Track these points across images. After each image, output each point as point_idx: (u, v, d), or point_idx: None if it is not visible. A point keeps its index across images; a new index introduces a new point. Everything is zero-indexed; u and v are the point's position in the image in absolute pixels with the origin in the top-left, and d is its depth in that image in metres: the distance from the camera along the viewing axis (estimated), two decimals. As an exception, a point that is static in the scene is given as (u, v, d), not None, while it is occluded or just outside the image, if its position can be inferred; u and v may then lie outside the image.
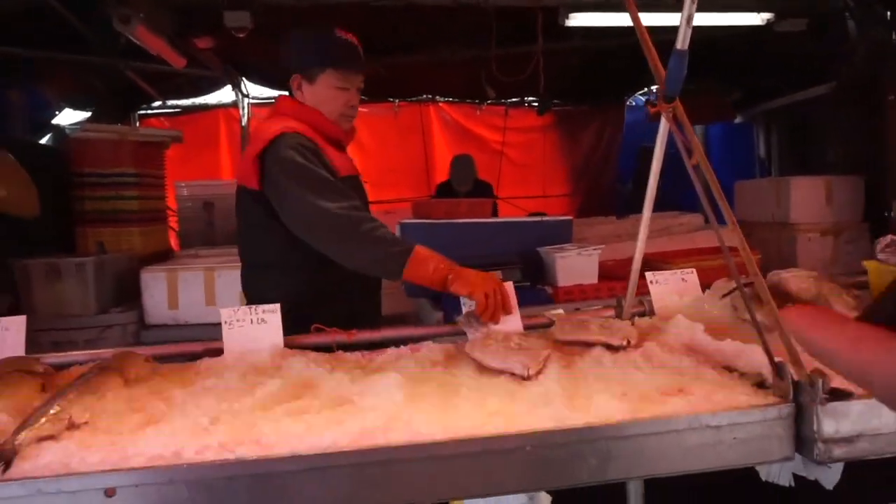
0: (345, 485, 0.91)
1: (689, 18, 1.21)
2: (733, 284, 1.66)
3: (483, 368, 1.30)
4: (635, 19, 1.40)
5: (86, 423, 1.07)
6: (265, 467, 0.89)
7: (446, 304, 3.07)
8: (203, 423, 1.04)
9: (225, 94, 6.19)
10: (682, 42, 1.24)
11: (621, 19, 4.05)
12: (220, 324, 2.77)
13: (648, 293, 1.73)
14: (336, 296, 1.81)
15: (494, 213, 4.41)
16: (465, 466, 0.96)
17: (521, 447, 0.97)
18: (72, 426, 1.05)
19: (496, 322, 1.57)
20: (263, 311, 1.52)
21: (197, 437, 0.98)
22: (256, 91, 6.23)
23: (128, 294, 3.20)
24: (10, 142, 3.39)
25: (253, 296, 1.92)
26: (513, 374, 1.25)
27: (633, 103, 6.71)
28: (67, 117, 5.69)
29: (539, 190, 6.40)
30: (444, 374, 1.29)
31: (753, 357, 1.17)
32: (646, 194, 1.59)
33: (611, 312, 1.73)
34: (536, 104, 6.14)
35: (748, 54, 4.83)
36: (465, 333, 1.57)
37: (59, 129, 5.58)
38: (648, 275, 1.73)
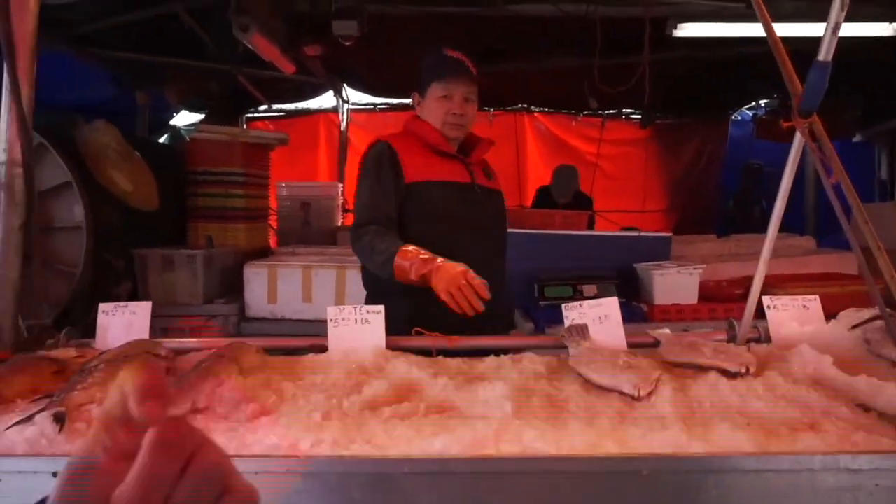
0: (456, 492, 0.90)
1: (836, 27, 1.13)
2: (864, 315, 1.53)
3: (589, 385, 1.26)
4: (769, 30, 1.32)
5: (206, 407, 1.12)
6: (379, 467, 0.90)
7: (537, 314, 3.03)
8: (315, 419, 1.06)
9: (326, 100, 6.43)
10: (825, 53, 1.16)
11: (732, 30, 3.88)
12: (314, 320, 2.86)
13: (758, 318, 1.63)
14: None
15: (591, 227, 4.32)
16: (578, 485, 0.93)
17: (637, 471, 0.92)
18: (195, 410, 1.10)
19: (468, 315, 1.60)
20: (368, 312, 1.55)
21: (311, 431, 1.00)
22: (356, 97, 6.44)
23: (231, 287, 3.37)
24: (135, 140, 3.66)
25: (373, 292, 2.00)
26: (622, 394, 1.20)
27: (739, 118, 6.40)
28: (182, 119, 6.11)
29: (634, 204, 6.22)
30: (549, 388, 1.26)
31: None
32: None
33: (722, 336, 1.64)
34: (635, 116, 5.99)
35: (872, 68, 4.49)
36: (566, 347, 1.53)
37: (175, 130, 5.99)
38: (766, 299, 1.63)
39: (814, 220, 5.15)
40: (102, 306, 1.64)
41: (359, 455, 0.92)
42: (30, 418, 1.01)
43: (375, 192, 1.96)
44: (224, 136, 3.83)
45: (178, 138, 5.78)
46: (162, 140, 5.64)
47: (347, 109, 6.46)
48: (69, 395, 1.08)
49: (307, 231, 4.56)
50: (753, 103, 5.96)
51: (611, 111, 6.18)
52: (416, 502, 0.92)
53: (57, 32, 3.59)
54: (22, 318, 1.66)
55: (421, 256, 1.73)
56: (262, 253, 3.84)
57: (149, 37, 4.21)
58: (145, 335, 1.57)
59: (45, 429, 0.99)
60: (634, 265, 3.21)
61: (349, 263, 3.14)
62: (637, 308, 3.09)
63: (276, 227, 4.70)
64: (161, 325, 3.09)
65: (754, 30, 3.64)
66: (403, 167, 1.96)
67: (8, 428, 0.99)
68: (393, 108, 6.43)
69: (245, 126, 6.30)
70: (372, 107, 6.53)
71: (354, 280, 3.09)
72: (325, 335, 1.54)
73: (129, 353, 1.32)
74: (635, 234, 3.64)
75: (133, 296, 3.10)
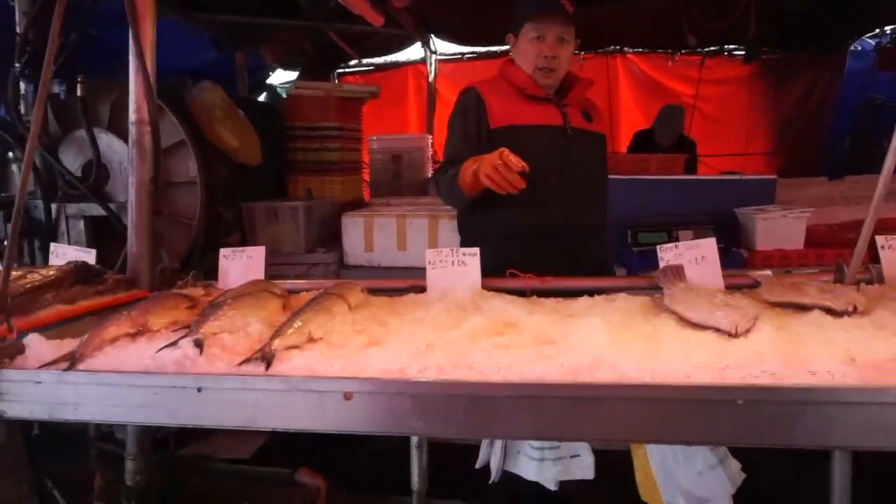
0: (554, 415, 0.95)
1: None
2: None
3: (685, 322, 1.27)
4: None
5: (321, 338, 1.23)
6: (482, 390, 0.97)
7: (630, 260, 3.00)
8: (420, 348, 1.14)
9: (414, 52, 6.45)
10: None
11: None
12: (408, 268, 2.97)
13: (871, 261, 1.56)
14: (549, 235, 1.89)
15: (691, 171, 4.14)
16: (671, 412, 0.96)
17: (731, 400, 0.94)
18: (311, 340, 1.22)
19: (509, 190, 1.65)
20: (464, 254, 1.62)
21: (417, 358, 1.09)
22: (444, 48, 6.42)
23: (330, 237, 3.54)
24: (237, 99, 3.86)
25: (468, 237, 2.09)
26: (719, 331, 1.20)
27: (858, 48, 5.83)
28: (277, 77, 6.34)
29: (735, 147, 5.88)
30: (643, 325, 1.28)
31: None
32: (869, 154, 1.41)
33: (829, 277, 1.58)
34: (738, 52, 5.60)
35: None
36: (660, 288, 1.53)
37: (272, 88, 6.23)
38: (880, 239, 1.55)
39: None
40: (223, 251, 1.80)
41: (462, 379, 1.00)
42: (175, 343, 1.15)
43: (459, 137, 2.04)
44: (319, 92, 3.96)
45: (274, 96, 6.02)
46: (260, 98, 5.89)
47: (435, 60, 6.45)
48: (204, 326, 1.22)
49: (398, 183, 4.67)
50: (877, 31, 5.40)
51: (711, 48, 5.81)
52: (516, 424, 0.98)
53: (166, 1, 3.80)
54: (155, 262, 1.86)
55: (477, 160, 1.79)
56: (358, 204, 3.99)
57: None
58: (261, 276, 1.72)
59: (188, 352, 1.13)
60: (735, 210, 3.09)
61: (441, 212, 3.21)
62: (737, 254, 2.98)
63: (367, 180, 4.85)
64: (268, 273, 3.32)
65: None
66: (489, 112, 1.98)
67: (159, 350, 1.14)
68: (480, 56, 6.36)
69: (336, 81, 6.45)
70: (459, 56, 6.49)
71: (447, 228, 3.18)
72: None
73: (250, 291, 1.46)
74: (736, 177, 3.48)
75: (241, 245, 3.34)
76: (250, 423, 1.07)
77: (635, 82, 6.06)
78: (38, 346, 1.20)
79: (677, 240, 2.94)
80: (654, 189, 3.15)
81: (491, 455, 1.69)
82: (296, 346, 1.18)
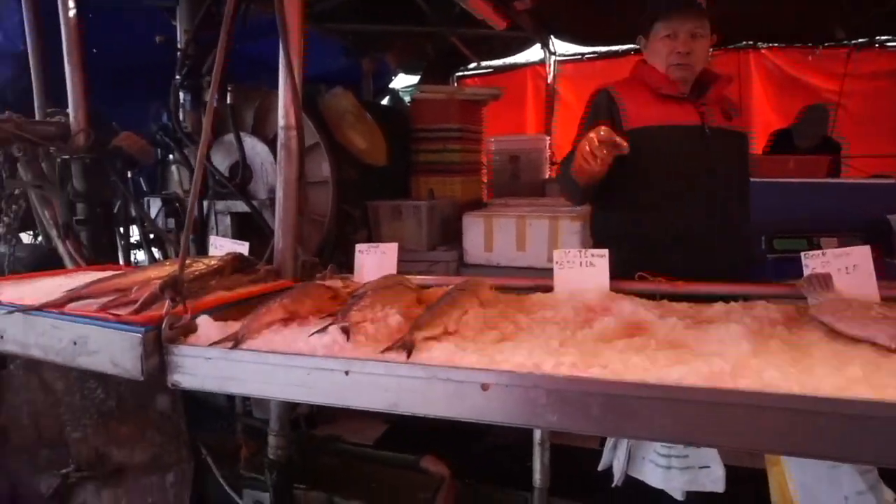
0: (692, 420, 0.94)
1: None
2: None
3: (836, 334, 1.20)
4: None
5: (456, 331, 1.29)
6: (619, 389, 0.97)
7: (764, 268, 2.84)
8: (553, 345, 1.17)
9: (533, 53, 6.46)
10: None
11: None
12: (527, 268, 2.99)
13: None
14: (685, 239, 1.86)
15: (834, 174, 3.84)
16: (822, 426, 0.91)
17: (892, 417, 0.88)
18: (446, 332, 1.28)
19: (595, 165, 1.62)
20: (592, 255, 1.62)
21: (550, 355, 1.11)
22: (563, 48, 6.37)
23: (450, 236, 3.64)
24: (364, 103, 4.06)
25: (600, 238, 2.08)
26: (874, 345, 1.13)
27: None
28: (399, 82, 6.58)
29: (888, 147, 5.35)
30: (787, 334, 1.22)
31: None
32: None
33: None
34: (892, 43, 5.11)
35: None
36: (803, 297, 1.45)
37: (394, 92, 6.48)
38: None
39: None
40: (359, 247, 1.92)
41: (599, 377, 1.01)
42: (324, 329, 1.25)
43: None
44: (442, 95, 4.08)
45: (397, 100, 6.25)
46: (384, 102, 6.14)
47: (554, 61, 6.42)
48: (349, 314, 1.32)
49: (516, 184, 4.70)
50: None
51: (861, 40, 5.33)
52: (650, 425, 0.98)
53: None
54: (297, 255, 2.01)
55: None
56: (477, 204, 4.06)
57: (372, 8, 4.59)
58: (394, 271, 1.82)
59: (336, 338, 1.22)
60: (889, 216, 2.83)
61: (562, 214, 3.20)
62: (891, 264, 2.73)
63: (485, 180, 4.92)
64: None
65: None
66: (623, 113, 1.96)
67: (310, 335, 1.24)
68: (601, 56, 6.25)
69: (455, 84, 6.59)
70: (579, 56, 6.41)
71: (568, 230, 3.17)
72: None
73: (387, 284, 1.55)
74: (889, 181, 3.18)
75: (368, 241, 3.51)
76: (391, 407, 1.14)
77: (769, 79, 5.69)
78: (207, 327, 1.35)
79: (819, 247, 2.74)
80: (793, 192, 2.96)
81: (614, 459, 1.67)
82: (433, 338, 1.24)
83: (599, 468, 1.73)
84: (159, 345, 1.30)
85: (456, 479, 1.76)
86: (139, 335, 1.29)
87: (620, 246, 1.73)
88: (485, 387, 1.05)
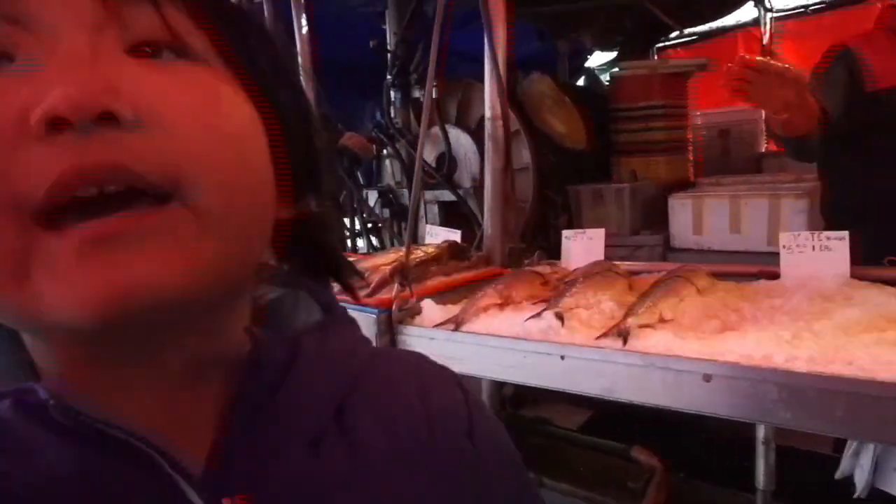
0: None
1: None
2: None
3: None
4: None
5: (672, 319, 1.26)
6: (870, 389, 0.88)
7: None
8: (785, 337, 1.09)
9: (744, 13, 5.85)
10: None
11: None
12: (744, 252, 2.77)
13: None
14: None
15: None
16: None
17: None
18: (662, 320, 1.25)
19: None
20: (829, 238, 1.46)
21: (781, 347, 1.04)
22: (781, 3, 5.69)
23: (654, 218, 3.49)
24: (560, 85, 4.03)
25: (836, 216, 1.89)
26: None
27: None
28: (594, 60, 6.40)
29: None
30: None
31: None
32: None
33: None
34: None
35: None
36: None
37: (590, 71, 6.33)
38: None
39: None
40: (565, 233, 1.94)
41: (843, 374, 0.93)
42: (539, 315, 1.30)
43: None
44: (643, 71, 3.90)
45: (593, 79, 6.11)
46: (579, 83, 6.04)
47: (771, 19, 5.77)
48: (562, 301, 1.35)
49: (726, 160, 4.36)
50: None
51: None
52: (911, 431, 0.88)
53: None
54: (505, 242, 2.09)
55: None
56: (683, 185, 3.84)
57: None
58: (601, 257, 1.81)
59: (551, 323, 1.27)
60: None
61: (784, 191, 2.90)
62: None
63: (692, 159, 4.62)
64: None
65: None
66: (868, 72, 1.71)
67: (526, 320, 1.30)
68: (830, 6, 5.46)
69: (656, 57, 6.24)
70: (802, 10, 5.67)
71: (791, 210, 2.85)
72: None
73: (597, 270, 1.55)
74: None
75: (569, 226, 3.51)
76: (606, 393, 1.15)
77: None
78: (431, 309, 1.48)
79: None
80: None
81: (857, 467, 1.50)
82: (648, 326, 1.22)
83: (837, 476, 1.56)
84: (390, 325, 1.46)
85: (669, 472, 1.71)
86: (374, 316, 1.45)
87: (863, 226, 1.53)
88: (707, 378, 1.02)
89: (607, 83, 4.36)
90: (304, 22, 2.87)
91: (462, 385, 0.60)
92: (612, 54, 6.05)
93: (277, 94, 0.45)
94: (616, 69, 4.11)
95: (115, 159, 0.34)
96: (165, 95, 0.36)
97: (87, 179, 0.33)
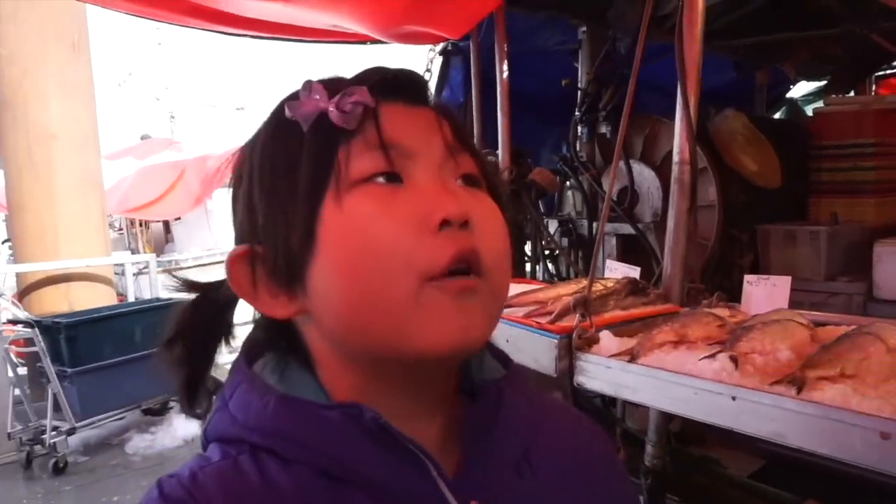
0: None
1: None
2: None
3: None
4: None
5: (853, 376, 1.27)
6: None
7: None
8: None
9: None
10: None
11: None
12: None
13: None
14: None
15: None
16: None
17: None
18: (843, 375, 1.27)
19: None
20: None
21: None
22: None
23: (855, 266, 3.24)
24: (756, 119, 3.89)
25: None
26: None
27: None
28: (798, 90, 5.97)
29: None
30: None
31: None
32: None
33: None
34: None
35: None
36: None
37: (792, 102, 5.94)
38: None
39: None
40: (748, 278, 1.96)
41: None
42: (713, 356, 1.39)
43: None
44: (853, 106, 3.66)
45: (795, 111, 5.72)
46: (777, 115, 5.69)
47: None
48: (738, 344, 1.42)
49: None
50: None
51: None
52: None
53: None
54: (684, 282, 2.15)
55: None
56: (894, 230, 3.51)
57: (768, 17, 4.33)
58: (785, 304, 1.81)
59: (724, 365, 1.35)
60: None
61: None
62: None
63: None
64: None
65: None
66: None
67: (700, 360, 1.39)
68: None
69: (874, 86, 5.68)
70: None
71: None
72: None
73: (778, 318, 1.58)
74: None
75: (754, 267, 3.39)
76: (775, 437, 1.21)
77: None
78: (608, 340, 1.62)
79: None
80: None
81: None
82: (826, 378, 1.25)
83: None
84: (570, 350, 1.63)
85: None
86: (555, 341, 1.63)
87: None
88: (885, 435, 1.05)
89: (811, 116, 4.11)
90: (504, 67, 3.15)
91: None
92: (820, 83, 5.63)
93: (501, 199, 0.69)
94: (821, 104, 3.87)
95: (473, 246, 0.58)
96: (479, 211, 0.61)
97: (466, 257, 0.58)
